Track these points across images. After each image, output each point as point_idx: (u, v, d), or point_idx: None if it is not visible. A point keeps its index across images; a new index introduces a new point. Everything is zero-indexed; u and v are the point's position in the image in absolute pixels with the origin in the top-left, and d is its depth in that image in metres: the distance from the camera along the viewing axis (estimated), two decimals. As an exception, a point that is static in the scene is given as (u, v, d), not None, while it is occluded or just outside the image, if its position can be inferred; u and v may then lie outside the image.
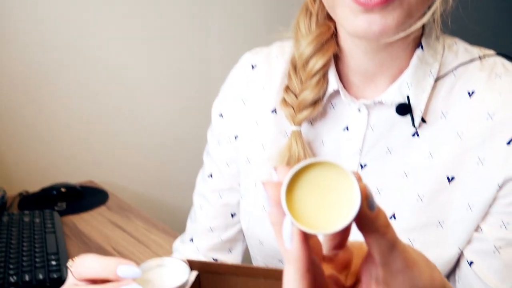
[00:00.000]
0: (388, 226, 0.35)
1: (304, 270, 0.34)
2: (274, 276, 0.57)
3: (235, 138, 0.76)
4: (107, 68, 1.55)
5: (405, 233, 0.63)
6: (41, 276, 0.90)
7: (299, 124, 0.66)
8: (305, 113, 0.65)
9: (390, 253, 0.35)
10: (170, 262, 0.56)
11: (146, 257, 1.02)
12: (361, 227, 0.35)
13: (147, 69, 1.64)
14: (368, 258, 0.38)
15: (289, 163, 0.67)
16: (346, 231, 0.38)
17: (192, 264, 0.57)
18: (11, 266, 0.92)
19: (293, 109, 0.66)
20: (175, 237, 1.08)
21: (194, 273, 0.60)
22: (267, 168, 0.72)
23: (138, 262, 0.99)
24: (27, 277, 0.89)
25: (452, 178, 0.62)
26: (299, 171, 0.35)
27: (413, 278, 0.37)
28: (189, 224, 0.83)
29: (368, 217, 0.34)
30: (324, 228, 0.34)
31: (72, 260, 0.52)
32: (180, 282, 0.52)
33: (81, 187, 1.40)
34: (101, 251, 1.06)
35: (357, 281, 0.40)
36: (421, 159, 0.63)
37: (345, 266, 0.41)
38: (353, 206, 0.34)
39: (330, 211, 0.35)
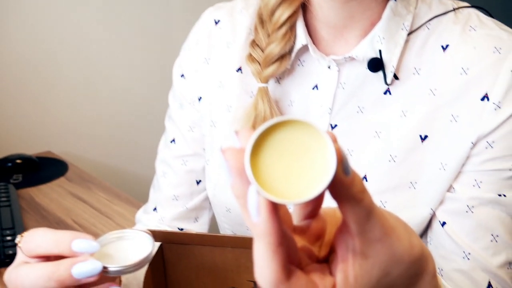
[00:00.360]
0: (364, 191, 0.31)
1: (276, 245, 0.30)
2: (242, 244, 0.54)
3: (199, 100, 0.71)
4: (64, 36, 1.46)
5: (377, 195, 0.61)
6: (-5, 253, 0.84)
7: (265, 81, 0.62)
8: (272, 68, 0.61)
9: (367, 221, 0.32)
10: (131, 234, 0.50)
11: (109, 229, 0.98)
12: (335, 194, 0.31)
13: (103, 34, 1.55)
14: (342, 227, 0.34)
15: (255, 124, 0.64)
16: (319, 199, 0.34)
17: (155, 235, 0.54)
18: (-38, 243, 0.87)
19: (260, 64, 0.62)
20: (138, 207, 1.03)
21: (157, 244, 0.56)
22: (232, 130, 0.69)
23: (99, 235, 0.95)
24: (-20, 254, 0.84)
25: (425, 137, 0.59)
26: (264, 132, 0.30)
27: (392, 246, 0.33)
28: (152, 193, 0.79)
29: (343, 183, 0.30)
30: (296, 197, 0.30)
31: (21, 235, 0.47)
32: (142, 255, 0.47)
33: (38, 158, 1.33)
34: (61, 224, 1.01)
35: (331, 251, 0.36)
36: (393, 117, 0.61)
37: (318, 237, 0.37)
38: (328, 171, 0.29)
39: (302, 177, 0.30)
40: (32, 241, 0.45)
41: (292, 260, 0.32)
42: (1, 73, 1.36)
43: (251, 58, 0.63)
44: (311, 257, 0.36)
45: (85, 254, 0.44)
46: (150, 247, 0.48)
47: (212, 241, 0.54)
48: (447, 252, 0.59)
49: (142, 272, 0.53)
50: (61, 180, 1.25)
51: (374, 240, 0.32)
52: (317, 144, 0.30)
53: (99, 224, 1.01)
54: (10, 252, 0.85)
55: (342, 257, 0.34)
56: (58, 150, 1.48)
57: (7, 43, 1.36)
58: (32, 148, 1.38)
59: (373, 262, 0.33)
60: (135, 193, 1.26)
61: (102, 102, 1.59)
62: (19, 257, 0.47)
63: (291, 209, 0.36)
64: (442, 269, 0.60)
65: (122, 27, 1.58)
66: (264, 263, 0.30)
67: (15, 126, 1.42)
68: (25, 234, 0.46)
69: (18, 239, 0.47)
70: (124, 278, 0.58)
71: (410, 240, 0.35)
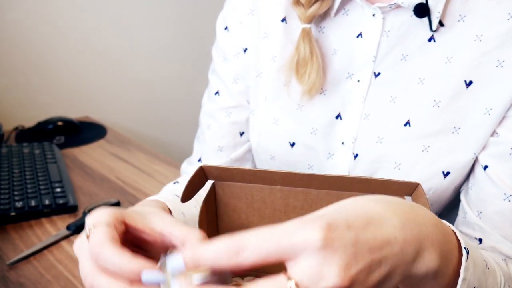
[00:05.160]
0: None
1: None
2: (291, 182, 0.57)
3: (244, 51, 0.73)
4: (107, 6, 1.49)
5: (420, 139, 0.63)
6: (47, 202, 0.89)
7: (308, 21, 0.65)
8: (314, 7, 0.63)
9: None
10: None
11: (151, 186, 1.02)
12: None
13: (142, 4, 1.57)
14: None
15: (297, 66, 0.66)
16: None
17: (209, 171, 0.56)
18: (16, 193, 0.91)
19: (303, 6, 0.64)
20: (177, 167, 1.07)
21: (210, 183, 0.59)
22: (278, 79, 0.71)
23: (142, 191, 0.98)
24: (33, 203, 0.88)
25: (470, 83, 0.60)
26: None
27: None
28: (197, 145, 0.82)
29: None
30: None
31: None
32: None
33: (79, 122, 1.37)
34: (105, 180, 1.05)
35: None
36: (438, 64, 0.62)
37: None
38: None
39: None
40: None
41: None
42: (46, 42, 1.40)
43: (296, 1, 0.65)
44: None
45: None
46: None
47: (263, 178, 0.56)
48: (487, 195, 0.60)
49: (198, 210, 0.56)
50: (101, 142, 1.29)
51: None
52: None
53: (141, 181, 1.05)
54: (61, 201, 0.90)
55: None
56: (96, 116, 1.52)
57: (51, 13, 1.39)
58: (72, 113, 1.43)
59: None
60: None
61: (139, 71, 1.63)
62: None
63: None
64: (481, 212, 0.61)
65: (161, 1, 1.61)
66: None
67: (56, 92, 1.47)
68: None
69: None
70: (183, 216, 0.61)
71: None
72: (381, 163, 0.66)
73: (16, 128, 1.33)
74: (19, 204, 0.87)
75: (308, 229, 0.33)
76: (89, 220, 0.42)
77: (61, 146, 1.22)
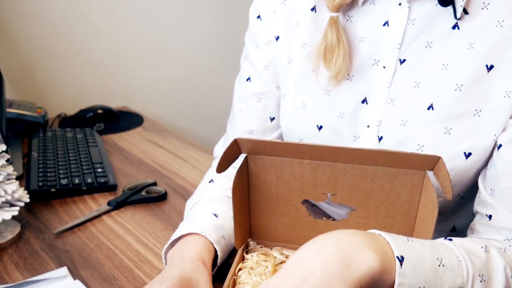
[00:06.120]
0: None
1: None
2: (320, 156, 0.60)
3: (276, 39, 0.78)
4: (145, 1, 1.57)
5: (443, 122, 0.66)
6: (89, 180, 0.95)
7: (336, 9, 0.68)
8: None
9: None
10: None
11: (186, 169, 1.08)
12: None
13: (178, 1, 1.64)
14: None
15: (325, 53, 0.70)
16: None
17: (242, 144, 0.61)
18: (60, 172, 0.98)
19: None
20: (210, 153, 1.12)
21: (243, 156, 0.63)
22: (306, 66, 0.75)
23: (177, 174, 1.04)
24: (76, 181, 0.95)
25: (491, 67, 0.63)
26: None
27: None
28: (229, 129, 0.87)
29: None
30: None
31: None
32: None
33: (117, 111, 1.44)
34: (143, 164, 1.11)
35: None
36: (461, 50, 0.65)
37: None
38: None
39: None
40: None
41: None
42: (90, 36, 1.48)
43: None
44: None
45: None
46: None
47: (293, 150, 0.61)
48: (501, 174, 0.63)
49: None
50: (138, 130, 1.36)
51: None
52: None
53: (177, 165, 1.11)
54: (102, 180, 0.96)
55: None
56: (133, 106, 1.59)
57: (94, 5, 1.47)
58: (111, 103, 1.50)
59: None
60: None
61: (175, 65, 1.70)
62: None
63: None
64: (494, 190, 0.64)
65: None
66: None
67: (96, 83, 1.54)
68: None
69: None
70: (224, 240, 0.67)
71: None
72: (405, 145, 0.69)
73: (59, 115, 1.41)
74: (64, 181, 0.94)
75: None
76: None
77: (101, 133, 1.29)
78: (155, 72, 1.66)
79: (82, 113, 1.38)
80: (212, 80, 1.80)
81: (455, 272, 0.49)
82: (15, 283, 0.64)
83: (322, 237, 0.47)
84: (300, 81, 0.76)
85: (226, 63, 1.79)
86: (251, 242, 0.68)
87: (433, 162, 0.56)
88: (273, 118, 0.82)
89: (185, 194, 0.94)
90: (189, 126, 1.77)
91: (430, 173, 0.59)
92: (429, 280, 0.47)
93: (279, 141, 0.62)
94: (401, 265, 0.46)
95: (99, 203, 0.91)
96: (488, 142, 0.65)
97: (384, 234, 0.49)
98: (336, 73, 0.71)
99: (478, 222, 0.65)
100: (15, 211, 0.76)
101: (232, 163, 0.61)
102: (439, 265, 0.48)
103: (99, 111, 1.38)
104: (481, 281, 0.50)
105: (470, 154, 0.66)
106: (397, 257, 0.46)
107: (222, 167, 0.60)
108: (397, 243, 0.48)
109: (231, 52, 1.76)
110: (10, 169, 0.77)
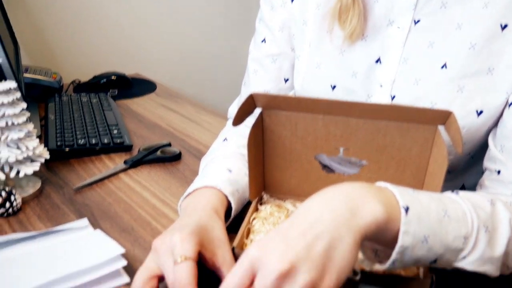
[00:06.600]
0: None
1: None
2: (334, 110, 0.62)
3: (291, 1, 0.78)
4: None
5: (455, 81, 0.67)
6: (106, 141, 0.98)
7: None
8: None
9: None
10: None
11: (199, 132, 1.10)
12: None
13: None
14: None
15: (340, 12, 0.70)
16: None
17: (257, 99, 0.63)
18: (77, 133, 1.00)
19: None
20: (223, 117, 1.14)
21: (258, 110, 0.65)
22: (321, 26, 0.76)
23: (190, 137, 1.06)
24: (93, 141, 0.97)
25: (505, 26, 0.64)
26: None
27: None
28: (244, 89, 0.88)
29: None
30: None
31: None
32: None
33: (130, 78, 1.46)
34: (157, 127, 1.13)
35: None
36: (475, 10, 0.65)
37: None
38: None
39: None
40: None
41: None
42: (103, 3, 1.50)
43: None
44: None
45: None
46: None
47: (307, 105, 0.62)
48: (509, 130, 0.64)
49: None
50: (151, 96, 1.37)
51: None
52: None
53: (190, 128, 1.13)
54: (118, 141, 0.98)
55: None
56: (146, 74, 1.61)
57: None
58: (124, 70, 1.51)
59: None
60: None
61: (187, 34, 1.70)
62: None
63: None
64: (503, 146, 0.65)
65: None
66: None
67: (110, 50, 1.56)
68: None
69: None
70: (237, 193, 0.69)
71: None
72: (417, 104, 0.70)
73: (73, 82, 1.43)
74: (81, 142, 0.96)
75: (247, 250, 0.45)
76: (180, 248, 0.52)
77: (115, 98, 1.31)
78: (167, 40, 1.68)
79: (96, 79, 1.40)
80: (224, 48, 1.81)
81: (460, 222, 0.51)
82: (39, 232, 0.67)
83: (331, 189, 0.49)
84: (314, 42, 0.77)
85: (239, 28, 1.80)
86: (264, 195, 0.71)
87: (444, 117, 0.58)
88: (287, 79, 0.84)
89: (199, 155, 0.96)
90: (201, 93, 1.78)
91: (441, 128, 0.60)
92: (434, 229, 0.49)
93: (293, 96, 0.63)
94: (406, 214, 0.47)
95: (115, 162, 0.94)
96: (500, 100, 0.66)
97: (390, 186, 0.50)
98: (351, 32, 0.72)
99: (487, 178, 0.67)
100: (36, 166, 0.79)
101: (248, 117, 0.63)
102: (444, 216, 0.50)
103: (113, 77, 1.40)
104: (485, 232, 0.51)
105: (481, 112, 0.67)
106: (403, 207, 0.48)
107: (238, 120, 0.62)
108: (403, 195, 0.49)
109: (243, 18, 1.77)
110: (30, 126, 0.79)
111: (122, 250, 0.60)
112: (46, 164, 0.90)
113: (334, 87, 0.76)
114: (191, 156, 0.97)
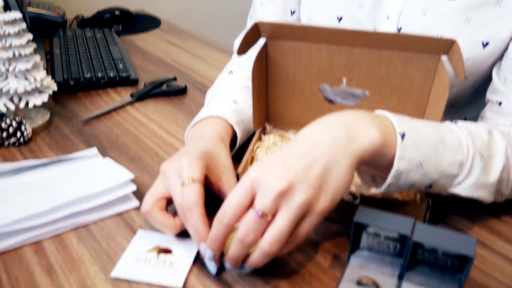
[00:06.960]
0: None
1: None
2: (338, 40, 0.62)
3: None
4: None
5: (463, 11, 0.66)
6: (111, 74, 0.98)
7: None
8: None
9: None
10: None
11: (204, 67, 1.10)
12: None
13: None
14: None
15: None
16: None
17: (262, 27, 0.63)
18: (83, 66, 1.01)
19: None
20: (228, 53, 1.14)
21: (262, 41, 0.65)
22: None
23: (196, 71, 1.06)
24: (99, 74, 0.98)
25: (515, -46, 0.63)
26: None
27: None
28: (249, 22, 0.88)
29: None
30: None
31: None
32: None
33: (134, 13, 1.44)
34: (162, 62, 1.13)
35: None
36: None
37: None
38: None
39: None
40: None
41: None
42: None
43: None
44: None
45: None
46: None
47: (312, 34, 0.62)
48: None
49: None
50: (156, 31, 1.36)
51: None
52: None
53: (195, 63, 1.13)
54: (124, 75, 0.99)
55: None
56: (149, 9, 1.58)
57: None
58: (126, 5, 1.49)
59: None
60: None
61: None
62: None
63: None
64: (507, 78, 0.65)
65: None
66: None
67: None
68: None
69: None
70: (243, 123, 0.69)
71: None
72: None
73: (76, 17, 1.42)
74: (87, 75, 0.97)
75: (248, 170, 0.47)
76: (188, 171, 0.54)
77: (119, 34, 1.30)
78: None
79: (99, 14, 1.39)
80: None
81: (456, 149, 0.52)
82: (50, 159, 0.69)
83: (330, 116, 0.50)
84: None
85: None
86: (268, 126, 0.72)
87: (448, 46, 0.58)
88: (294, 12, 0.83)
89: (205, 89, 0.97)
90: (206, 29, 1.76)
91: (444, 59, 0.60)
92: (429, 155, 0.50)
93: (298, 24, 0.63)
94: (402, 140, 0.49)
95: (121, 96, 0.95)
96: (506, 32, 0.66)
97: (389, 114, 0.51)
98: None
99: (488, 109, 0.68)
100: (44, 97, 0.80)
101: (252, 46, 0.63)
102: (440, 143, 0.51)
103: (117, 12, 1.38)
104: (480, 159, 0.53)
105: (487, 43, 0.67)
106: (399, 133, 0.49)
107: (243, 49, 0.62)
108: (401, 122, 0.50)
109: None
110: (37, 57, 0.80)
111: (131, 176, 0.63)
112: (54, 97, 0.91)
113: (340, 19, 0.76)
114: (196, 90, 0.98)
